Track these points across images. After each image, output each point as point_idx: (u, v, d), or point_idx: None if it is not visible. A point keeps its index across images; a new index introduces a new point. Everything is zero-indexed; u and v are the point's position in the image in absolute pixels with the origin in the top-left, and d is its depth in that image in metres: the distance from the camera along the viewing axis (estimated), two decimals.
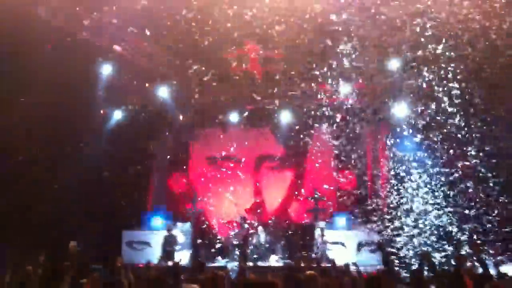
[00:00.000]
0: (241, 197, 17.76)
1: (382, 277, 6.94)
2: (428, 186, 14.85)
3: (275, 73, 15.67)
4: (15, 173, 12.52)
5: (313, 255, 14.88)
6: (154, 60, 14.85)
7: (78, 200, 14.19)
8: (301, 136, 17.57)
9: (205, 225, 17.39)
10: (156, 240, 15.26)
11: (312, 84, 15.87)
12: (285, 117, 17.10)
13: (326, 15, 12.36)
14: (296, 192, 18.13)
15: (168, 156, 18.43)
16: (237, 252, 15.16)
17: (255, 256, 15.04)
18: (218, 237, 16.86)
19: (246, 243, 15.22)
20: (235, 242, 15.57)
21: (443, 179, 14.69)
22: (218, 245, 16.29)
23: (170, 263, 12.38)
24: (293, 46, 13.59)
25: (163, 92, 15.74)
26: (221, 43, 13.78)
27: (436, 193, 14.74)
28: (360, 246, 15.12)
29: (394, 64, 14.15)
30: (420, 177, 15.00)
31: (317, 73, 14.52)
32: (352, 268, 9.63)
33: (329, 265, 11.53)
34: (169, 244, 14.77)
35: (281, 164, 18.35)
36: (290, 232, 16.69)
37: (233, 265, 13.39)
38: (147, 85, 15.65)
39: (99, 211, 14.89)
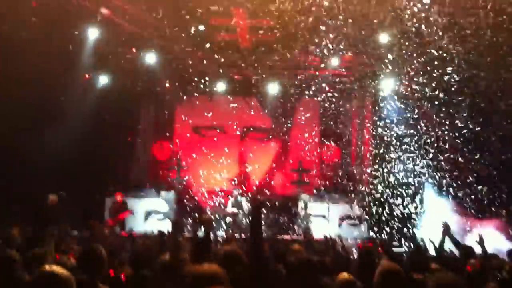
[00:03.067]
0: (226, 167, 17.68)
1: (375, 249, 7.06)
2: (412, 160, 15.04)
3: (263, 42, 15.48)
4: None
5: (296, 228, 15.00)
6: (141, 25, 14.49)
7: (60, 166, 13.98)
8: (288, 107, 17.51)
9: (189, 194, 17.32)
10: (139, 208, 15.25)
11: (300, 56, 15.77)
12: (272, 87, 16.93)
13: None
14: (281, 164, 18.10)
15: (153, 123, 18.28)
16: (222, 223, 15.17)
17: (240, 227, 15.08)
18: (203, 207, 16.84)
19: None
20: (219, 213, 15.50)
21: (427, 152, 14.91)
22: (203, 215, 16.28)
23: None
24: (283, 15, 13.37)
25: (150, 58, 15.44)
26: (209, 10, 13.50)
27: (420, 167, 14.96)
28: (342, 219, 15.23)
29: (383, 37, 14.02)
30: (404, 151, 15.16)
31: (307, 44, 14.40)
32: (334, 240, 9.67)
33: (310, 238, 11.67)
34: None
35: (267, 136, 18.28)
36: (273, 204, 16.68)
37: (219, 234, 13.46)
38: (133, 50, 15.31)
39: (82, 178, 14.72)
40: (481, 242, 6.77)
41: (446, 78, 13.94)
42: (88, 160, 14.96)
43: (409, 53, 14.12)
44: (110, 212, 14.66)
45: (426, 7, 12.13)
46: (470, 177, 14.34)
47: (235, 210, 15.05)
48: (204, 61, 16.10)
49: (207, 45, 15.27)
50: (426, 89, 14.63)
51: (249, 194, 16.34)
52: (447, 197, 14.29)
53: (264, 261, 4.26)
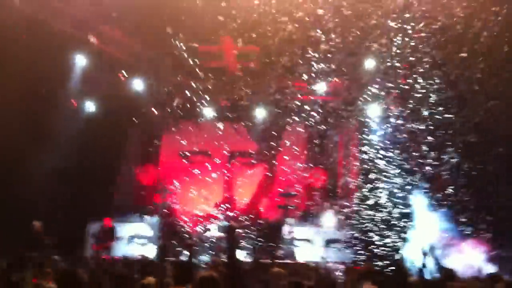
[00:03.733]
0: (212, 192, 17.65)
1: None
2: (398, 185, 15.14)
3: (250, 68, 15.67)
4: None
5: (281, 252, 15.00)
6: (129, 52, 14.68)
7: (44, 191, 13.97)
8: (274, 132, 17.62)
9: (174, 219, 17.25)
10: (122, 232, 15.28)
11: (288, 82, 15.95)
12: (259, 113, 17.09)
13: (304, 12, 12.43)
14: (268, 189, 18.17)
15: (139, 149, 18.33)
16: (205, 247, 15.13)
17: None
18: (187, 231, 16.78)
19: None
20: (206, 238, 15.44)
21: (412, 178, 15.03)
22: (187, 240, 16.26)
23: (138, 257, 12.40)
24: (269, 43, 13.59)
25: (138, 84, 15.59)
26: (197, 38, 13.73)
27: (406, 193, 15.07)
28: (328, 243, 15.27)
29: (369, 63, 14.27)
30: (391, 175, 15.26)
31: (293, 70, 14.61)
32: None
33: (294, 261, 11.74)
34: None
35: (254, 160, 18.38)
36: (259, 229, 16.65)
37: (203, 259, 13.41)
38: (121, 77, 15.46)
39: (67, 203, 14.70)
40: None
41: (431, 100, 14.16)
42: (73, 184, 14.97)
43: (395, 78, 14.35)
44: (97, 237, 14.63)
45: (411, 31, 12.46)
46: (457, 200, 14.46)
47: (221, 234, 15.02)
48: (192, 87, 16.24)
49: (195, 72, 15.45)
50: (413, 112, 14.81)
51: (235, 219, 16.33)
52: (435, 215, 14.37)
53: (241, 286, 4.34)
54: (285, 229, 15.43)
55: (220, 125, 17.79)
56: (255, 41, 13.91)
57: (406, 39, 12.88)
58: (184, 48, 14.05)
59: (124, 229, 15.41)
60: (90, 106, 16.17)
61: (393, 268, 12.61)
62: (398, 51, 13.40)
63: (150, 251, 14.36)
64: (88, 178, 15.43)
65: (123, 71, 15.19)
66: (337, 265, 12.91)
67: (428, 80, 13.69)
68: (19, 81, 11.89)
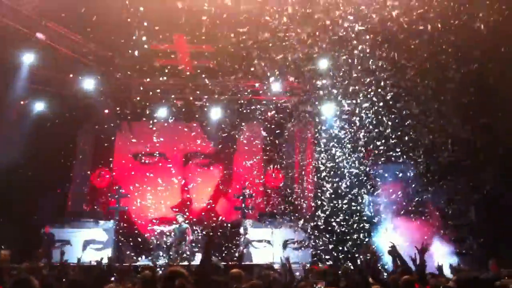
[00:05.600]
0: (168, 195, 17.33)
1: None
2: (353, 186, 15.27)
3: (205, 67, 15.47)
4: None
5: (236, 253, 14.83)
6: (79, 50, 14.19)
7: None
8: (230, 132, 17.45)
9: (130, 223, 16.84)
10: (77, 238, 14.80)
11: (242, 81, 15.83)
12: (215, 113, 16.88)
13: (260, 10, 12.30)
14: (224, 190, 17.95)
15: (92, 151, 17.78)
16: (162, 251, 14.81)
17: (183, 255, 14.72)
18: (144, 235, 16.41)
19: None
20: (164, 241, 15.11)
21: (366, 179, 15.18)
22: (143, 243, 15.93)
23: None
24: (224, 41, 13.40)
25: (88, 83, 15.12)
26: (149, 35, 13.39)
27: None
28: (285, 243, 15.19)
29: (324, 63, 14.28)
30: (345, 175, 15.36)
31: (249, 68, 14.48)
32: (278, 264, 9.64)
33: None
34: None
35: (210, 161, 18.13)
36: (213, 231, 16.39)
37: (160, 263, 13.09)
38: (71, 75, 14.95)
39: (18, 208, 14.10)
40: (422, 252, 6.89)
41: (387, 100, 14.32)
42: (24, 189, 14.38)
43: (350, 78, 14.41)
44: (43, 243, 14.20)
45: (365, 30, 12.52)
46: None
47: (178, 237, 14.70)
48: (145, 87, 15.89)
49: (148, 71, 15.12)
50: (368, 112, 14.92)
51: (193, 221, 16.03)
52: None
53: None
54: (241, 230, 15.30)
55: (175, 126, 17.47)
56: (210, 40, 13.69)
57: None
58: (136, 46, 13.64)
59: (79, 235, 14.93)
60: (39, 106, 15.61)
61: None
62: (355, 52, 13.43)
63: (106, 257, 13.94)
64: (39, 182, 14.85)
65: (74, 70, 14.69)
66: (296, 266, 12.83)
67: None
68: None
